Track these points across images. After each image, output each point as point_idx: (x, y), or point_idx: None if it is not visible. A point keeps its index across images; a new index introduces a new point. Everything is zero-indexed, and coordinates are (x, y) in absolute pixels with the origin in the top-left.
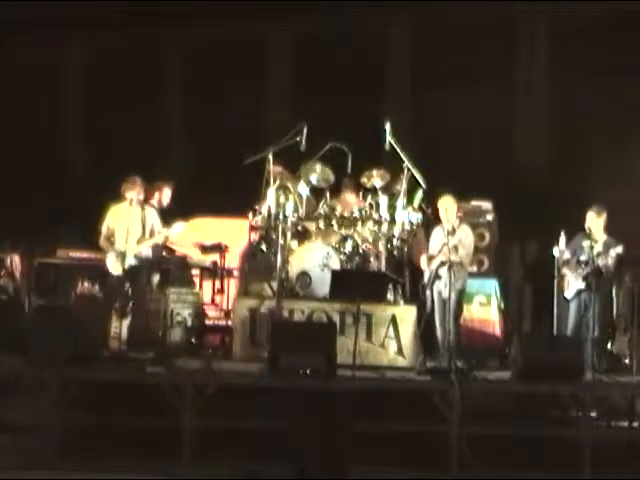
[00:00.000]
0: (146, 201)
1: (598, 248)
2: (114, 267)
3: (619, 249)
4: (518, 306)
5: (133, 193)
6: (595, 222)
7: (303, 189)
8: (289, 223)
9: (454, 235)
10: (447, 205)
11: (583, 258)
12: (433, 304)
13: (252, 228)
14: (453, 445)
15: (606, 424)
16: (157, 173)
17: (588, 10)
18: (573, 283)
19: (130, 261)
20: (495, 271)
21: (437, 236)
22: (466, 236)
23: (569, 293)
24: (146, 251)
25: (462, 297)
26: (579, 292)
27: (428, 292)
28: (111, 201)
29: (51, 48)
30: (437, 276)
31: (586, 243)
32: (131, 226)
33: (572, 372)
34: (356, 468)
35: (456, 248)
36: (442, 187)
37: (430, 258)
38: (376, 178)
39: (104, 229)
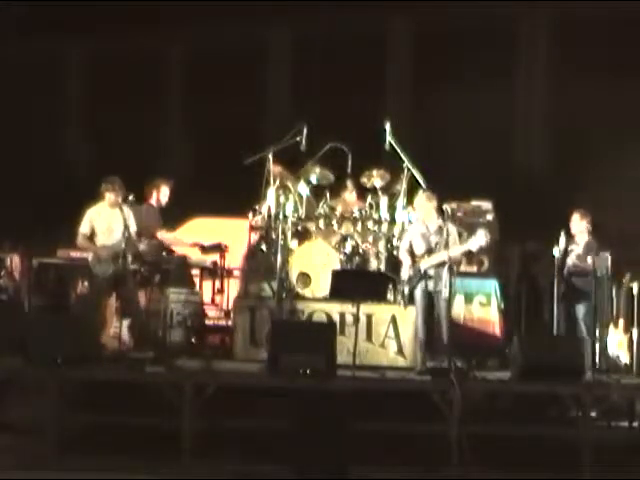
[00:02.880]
0: (123, 200)
1: (578, 250)
2: (98, 268)
3: (591, 254)
4: (518, 306)
5: (112, 194)
6: (578, 225)
7: (303, 189)
8: (289, 223)
9: (442, 234)
10: (426, 203)
11: (569, 261)
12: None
13: (252, 228)
14: (453, 445)
15: (606, 424)
16: (157, 173)
17: (588, 10)
18: (558, 285)
19: (116, 262)
20: (495, 271)
21: (421, 234)
22: (454, 237)
23: (556, 295)
24: (127, 249)
25: (454, 296)
26: (563, 294)
27: (406, 290)
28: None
29: (51, 48)
30: (426, 275)
31: (571, 246)
32: (113, 227)
33: (572, 372)
34: (356, 468)
35: (446, 247)
36: (443, 185)
37: (412, 255)
38: (376, 178)
39: (85, 229)
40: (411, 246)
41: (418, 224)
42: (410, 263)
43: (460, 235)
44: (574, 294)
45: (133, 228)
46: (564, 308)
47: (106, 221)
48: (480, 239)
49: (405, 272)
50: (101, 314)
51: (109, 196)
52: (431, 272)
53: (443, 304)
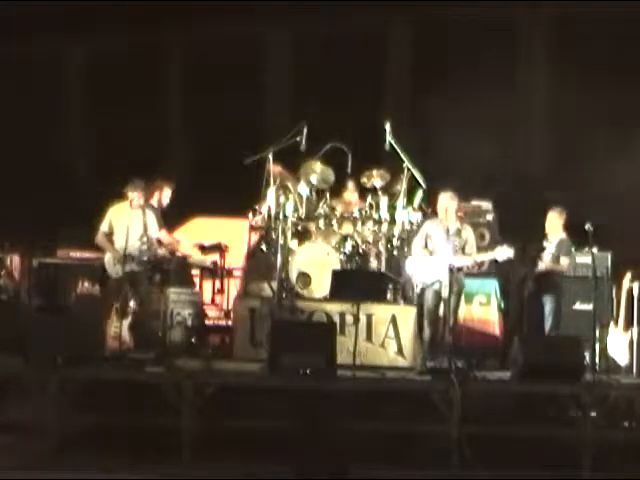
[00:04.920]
0: (146, 202)
1: (551, 249)
2: (113, 268)
3: (564, 255)
4: (518, 306)
5: (135, 195)
6: (555, 223)
7: (303, 189)
8: (289, 223)
9: (460, 236)
10: (449, 203)
11: (541, 264)
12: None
13: (252, 228)
14: (453, 445)
15: (606, 424)
16: (157, 173)
17: (588, 10)
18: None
19: (130, 263)
20: (495, 271)
21: (438, 235)
22: (473, 240)
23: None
24: (143, 252)
25: (455, 296)
26: (536, 292)
27: (417, 290)
28: (112, 201)
29: (51, 48)
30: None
31: (545, 244)
32: (131, 228)
33: (572, 372)
34: (356, 468)
35: (463, 250)
36: (443, 185)
37: (429, 253)
38: (376, 178)
39: (105, 227)
40: (426, 243)
41: (435, 223)
42: (426, 260)
43: (482, 237)
44: (541, 292)
45: (154, 232)
46: (534, 306)
47: (125, 222)
48: (508, 251)
49: (410, 267)
50: (107, 315)
51: (132, 197)
52: (444, 273)
53: (454, 305)
